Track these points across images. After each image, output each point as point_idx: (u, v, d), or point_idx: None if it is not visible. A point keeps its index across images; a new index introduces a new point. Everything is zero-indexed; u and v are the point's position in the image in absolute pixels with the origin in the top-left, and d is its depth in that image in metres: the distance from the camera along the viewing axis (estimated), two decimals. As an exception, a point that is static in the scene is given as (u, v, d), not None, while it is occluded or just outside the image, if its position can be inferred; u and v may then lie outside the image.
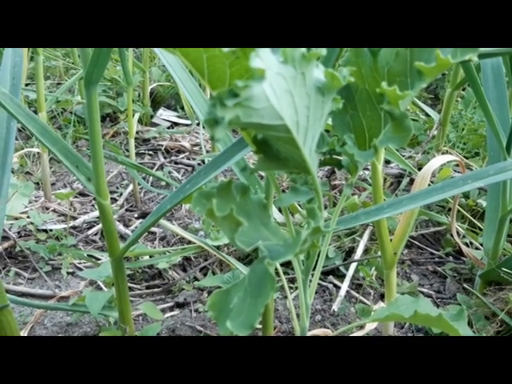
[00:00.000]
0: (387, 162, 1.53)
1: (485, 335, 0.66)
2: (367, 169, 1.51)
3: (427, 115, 1.79)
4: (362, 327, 0.92)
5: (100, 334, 0.90)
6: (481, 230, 1.25)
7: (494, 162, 0.97)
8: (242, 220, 0.46)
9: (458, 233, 1.17)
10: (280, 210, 1.38)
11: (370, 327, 0.90)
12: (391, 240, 0.89)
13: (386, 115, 0.54)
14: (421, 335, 1.03)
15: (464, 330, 0.69)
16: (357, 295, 1.13)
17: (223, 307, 0.49)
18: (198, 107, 0.79)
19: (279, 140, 0.44)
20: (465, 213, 1.29)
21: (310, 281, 0.73)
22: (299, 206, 1.26)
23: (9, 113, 0.72)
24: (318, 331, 0.89)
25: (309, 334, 0.89)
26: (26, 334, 0.98)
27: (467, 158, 1.60)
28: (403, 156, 1.52)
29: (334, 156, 0.60)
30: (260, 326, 1.01)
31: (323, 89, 0.43)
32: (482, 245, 1.18)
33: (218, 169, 0.71)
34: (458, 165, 1.43)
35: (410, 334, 1.04)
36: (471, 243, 1.23)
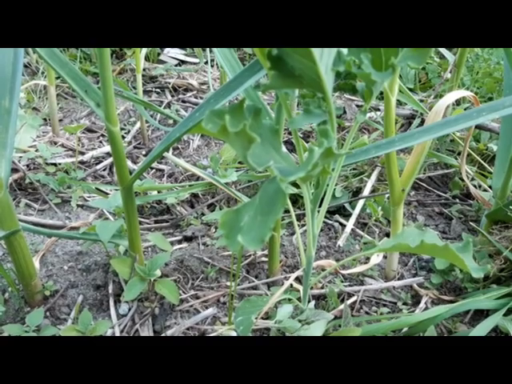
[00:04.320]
0: (399, 103, 1.50)
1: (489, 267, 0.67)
2: (378, 109, 1.49)
3: (442, 58, 1.75)
4: (367, 259, 0.94)
5: (110, 262, 0.92)
6: (490, 173, 1.25)
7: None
8: (255, 136, 0.45)
9: (466, 175, 1.17)
10: (288, 150, 1.37)
11: (374, 261, 0.92)
12: (400, 176, 0.89)
13: (405, 36, 0.52)
14: (424, 273, 1.05)
15: (469, 262, 0.70)
16: (362, 233, 1.14)
17: (234, 225, 0.50)
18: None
19: (295, 53, 0.43)
20: (475, 155, 1.28)
21: (318, 211, 0.74)
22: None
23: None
24: (323, 262, 0.91)
25: (314, 265, 0.90)
26: (37, 261, 1.01)
27: (480, 103, 1.56)
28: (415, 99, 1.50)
29: (349, 81, 0.59)
30: (266, 259, 1.04)
31: None
32: (490, 187, 1.18)
33: (228, 96, 0.70)
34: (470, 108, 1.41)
35: (413, 272, 1.06)
36: (480, 186, 1.23)
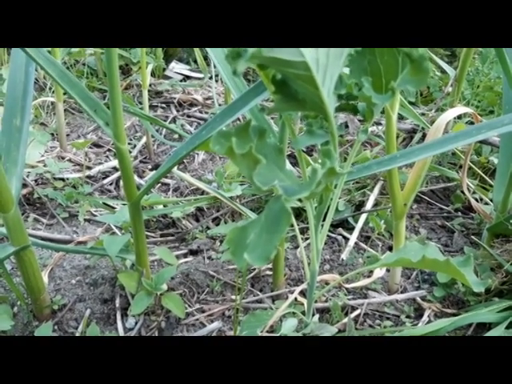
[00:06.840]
0: (400, 117, 1.52)
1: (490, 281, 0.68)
2: (380, 124, 1.51)
3: (443, 72, 1.77)
4: (370, 272, 0.95)
5: (117, 276, 0.94)
6: (491, 186, 1.26)
7: (509, 115, 0.97)
8: (260, 157, 0.47)
9: (468, 188, 1.18)
10: (292, 164, 1.39)
11: (377, 275, 0.93)
12: (402, 190, 0.91)
13: (404, 59, 0.54)
14: (426, 286, 1.06)
15: (470, 276, 0.71)
16: (365, 246, 1.16)
17: (240, 242, 0.51)
18: (214, 53, 0.79)
19: (298, 79, 0.45)
20: (476, 169, 1.29)
21: (322, 225, 0.75)
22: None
23: (29, 56, 0.73)
24: (327, 276, 0.92)
25: (318, 278, 0.92)
26: (46, 276, 1.03)
27: (481, 116, 1.58)
28: (417, 113, 1.52)
29: (351, 102, 0.61)
30: (271, 273, 1.05)
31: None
32: (491, 200, 1.20)
33: (233, 115, 0.72)
34: (472, 123, 1.43)
35: (416, 285, 1.07)
36: (481, 199, 1.24)
